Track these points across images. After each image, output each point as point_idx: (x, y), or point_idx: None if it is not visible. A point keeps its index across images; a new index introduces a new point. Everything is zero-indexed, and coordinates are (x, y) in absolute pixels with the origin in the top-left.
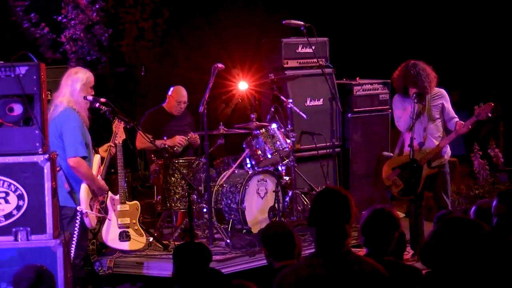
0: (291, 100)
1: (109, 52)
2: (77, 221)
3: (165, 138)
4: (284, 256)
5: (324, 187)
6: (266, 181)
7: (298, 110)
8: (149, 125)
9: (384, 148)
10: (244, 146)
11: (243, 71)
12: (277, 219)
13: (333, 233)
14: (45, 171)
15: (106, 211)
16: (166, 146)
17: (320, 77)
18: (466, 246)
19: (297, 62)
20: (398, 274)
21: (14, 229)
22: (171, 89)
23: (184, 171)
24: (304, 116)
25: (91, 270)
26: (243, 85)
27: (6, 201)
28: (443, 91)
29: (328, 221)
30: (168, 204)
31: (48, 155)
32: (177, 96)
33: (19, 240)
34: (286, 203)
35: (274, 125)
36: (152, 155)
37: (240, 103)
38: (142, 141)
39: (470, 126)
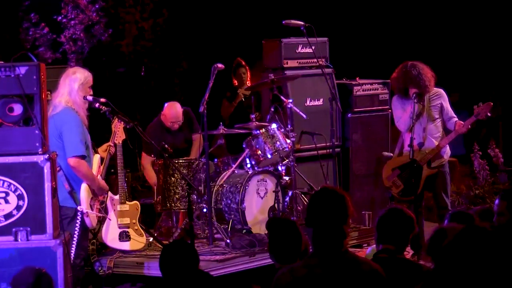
0: (291, 100)
1: (109, 52)
2: (77, 221)
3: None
4: (287, 260)
5: (320, 187)
6: (266, 181)
7: (298, 110)
8: (149, 147)
9: (384, 148)
10: (244, 146)
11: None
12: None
13: (331, 233)
14: (45, 171)
15: (106, 211)
16: (166, 146)
17: (320, 77)
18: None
19: (297, 62)
20: (411, 272)
21: (14, 229)
22: (165, 105)
23: (184, 171)
24: (304, 116)
25: (91, 270)
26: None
27: (6, 201)
28: (441, 91)
29: (325, 222)
30: (168, 204)
31: (48, 155)
32: (170, 117)
33: (19, 240)
34: (286, 203)
35: (274, 125)
36: (152, 155)
37: (244, 102)
38: None
39: (469, 126)
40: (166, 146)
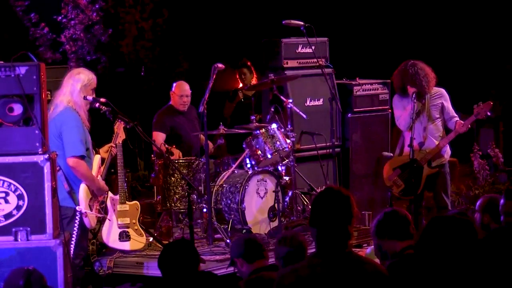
0: (291, 100)
1: (109, 52)
2: (76, 221)
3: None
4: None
5: (325, 187)
6: (266, 181)
7: (298, 110)
8: (161, 124)
9: (384, 148)
10: (244, 146)
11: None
12: (277, 219)
13: (335, 233)
14: (45, 171)
15: (106, 211)
16: (166, 146)
17: (320, 77)
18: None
19: (297, 62)
20: None
21: (14, 229)
22: (173, 85)
23: (184, 171)
24: (304, 116)
25: (91, 270)
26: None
27: (6, 201)
28: (442, 90)
29: (330, 222)
30: (168, 204)
31: (48, 155)
32: (178, 91)
33: (19, 240)
34: (286, 203)
35: (274, 125)
36: (152, 155)
37: (243, 102)
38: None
39: (469, 126)
40: (168, 147)
